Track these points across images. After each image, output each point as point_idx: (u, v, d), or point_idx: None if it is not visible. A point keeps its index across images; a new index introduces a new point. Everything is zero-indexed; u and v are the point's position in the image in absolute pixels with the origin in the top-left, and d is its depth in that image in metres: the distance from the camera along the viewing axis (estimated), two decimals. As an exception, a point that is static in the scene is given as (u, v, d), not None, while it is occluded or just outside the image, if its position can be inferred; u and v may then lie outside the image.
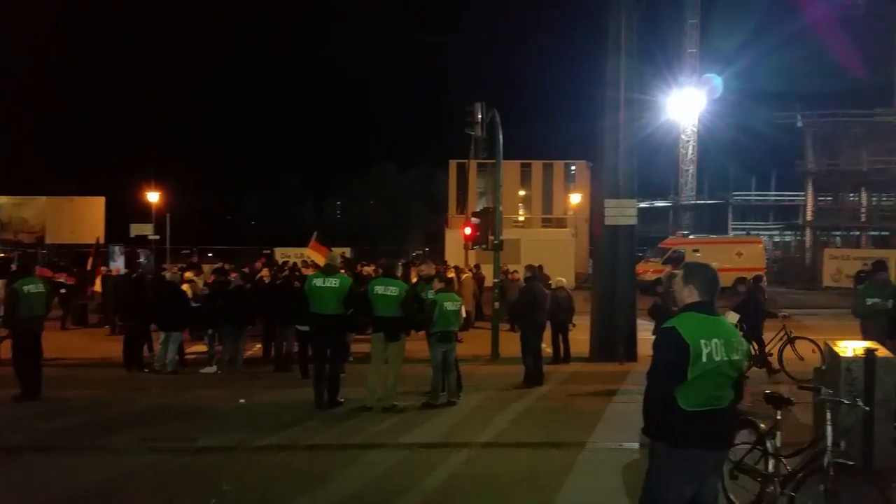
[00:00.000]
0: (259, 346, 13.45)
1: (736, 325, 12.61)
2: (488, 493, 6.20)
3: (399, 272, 10.01)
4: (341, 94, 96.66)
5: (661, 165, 52.25)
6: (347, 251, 30.60)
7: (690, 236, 36.75)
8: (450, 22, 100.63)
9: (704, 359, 3.56)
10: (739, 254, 31.91)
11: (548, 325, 12.02)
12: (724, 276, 24.14)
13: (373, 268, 16.99)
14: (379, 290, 9.20)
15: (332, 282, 9.17)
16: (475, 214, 15.38)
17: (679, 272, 4.00)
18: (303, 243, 29.03)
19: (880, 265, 8.96)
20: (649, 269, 27.75)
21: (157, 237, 34.08)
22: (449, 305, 9.42)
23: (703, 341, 3.58)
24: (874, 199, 42.90)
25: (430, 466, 6.89)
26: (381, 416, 8.82)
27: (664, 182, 57.48)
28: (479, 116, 14.19)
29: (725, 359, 3.62)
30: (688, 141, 54.40)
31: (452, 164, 46.40)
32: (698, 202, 56.07)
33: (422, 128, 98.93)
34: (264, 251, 30.18)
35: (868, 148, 39.56)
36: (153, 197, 35.41)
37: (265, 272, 14.62)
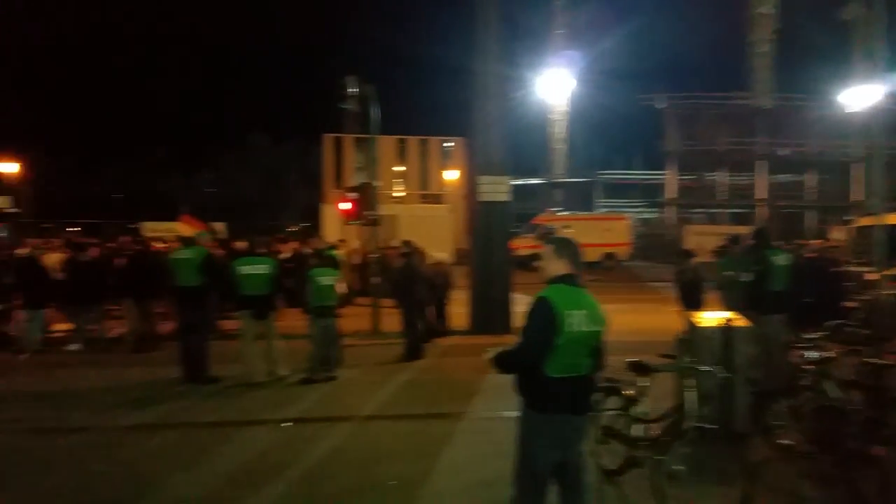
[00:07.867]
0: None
1: None
2: (367, 464, 6.26)
3: (265, 249, 9.97)
4: (208, 63, 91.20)
5: (534, 144, 53.45)
6: (222, 227, 29.50)
7: (561, 213, 38.04)
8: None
9: (568, 328, 3.75)
10: (607, 230, 33.49)
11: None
12: (593, 251, 25.11)
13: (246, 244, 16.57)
14: (245, 269, 9.11)
15: (187, 253, 9.14)
16: (352, 189, 15.26)
17: (551, 245, 4.06)
18: (173, 218, 27.68)
19: (735, 240, 9.69)
20: (523, 245, 28.47)
21: (17, 210, 31.44)
22: (324, 280, 9.40)
23: (567, 311, 3.77)
24: (731, 178, 45.82)
25: (311, 440, 6.93)
26: (258, 393, 8.73)
27: (538, 160, 59.05)
28: (354, 90, 14.05)
29: (587, 329, 3.83)
30: (558, 120, 56.03)
31: (328, 138, 45.54)
32: (568, 180, 58.05)
33: (294, 100, 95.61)
34: (129, 226, 28.52)
35: (725, 129, 41.94)
36: (11, 168, 32.44)
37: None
